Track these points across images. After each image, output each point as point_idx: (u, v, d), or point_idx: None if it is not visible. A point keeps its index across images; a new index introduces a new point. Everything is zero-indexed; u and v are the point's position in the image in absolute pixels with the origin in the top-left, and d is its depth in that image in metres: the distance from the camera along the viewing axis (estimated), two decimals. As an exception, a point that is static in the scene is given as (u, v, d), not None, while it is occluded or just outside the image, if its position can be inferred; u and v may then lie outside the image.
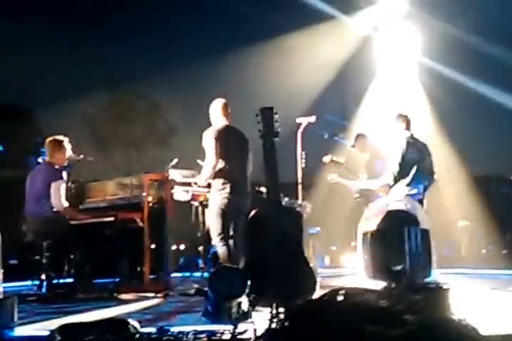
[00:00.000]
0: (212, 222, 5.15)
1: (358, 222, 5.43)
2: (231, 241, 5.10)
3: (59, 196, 5.70)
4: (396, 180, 5.90)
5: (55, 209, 5.72)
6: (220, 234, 5.08)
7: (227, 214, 5.09)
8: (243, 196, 5.18)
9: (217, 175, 5.19)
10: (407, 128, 6.08)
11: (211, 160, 5.18)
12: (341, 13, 10.03)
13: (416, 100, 9.93)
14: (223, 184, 5.13)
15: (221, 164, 5.18)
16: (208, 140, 5.22)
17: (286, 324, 2.42)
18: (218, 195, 5.14)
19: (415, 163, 5.93)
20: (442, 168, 7.76)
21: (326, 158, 6.84)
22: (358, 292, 2.67)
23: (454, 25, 9.23)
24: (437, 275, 3.55)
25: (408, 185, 5.89)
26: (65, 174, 5.82)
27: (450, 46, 9.33)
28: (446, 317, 2.94)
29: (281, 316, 2.81)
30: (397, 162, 5.90)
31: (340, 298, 2.63)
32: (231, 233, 5.16)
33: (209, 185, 5.82)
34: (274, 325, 2.67)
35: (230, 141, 5.25)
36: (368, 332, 2.32)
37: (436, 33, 9.47)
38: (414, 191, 5.85)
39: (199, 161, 5.46)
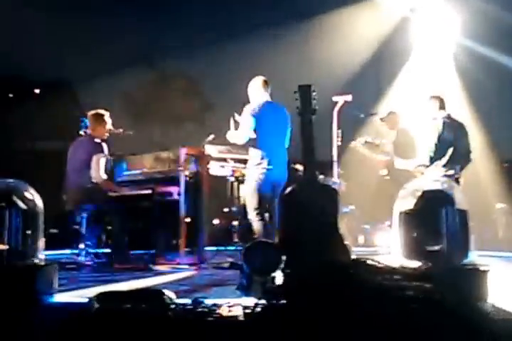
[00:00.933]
0: (248, 196, 5.19)
1: (389, 200, 5.40)
2: (267, 216, 5.15)
3: (98, 168, 5.82)
4: (432, 161, 5.85)
5: (94, 181, 5.84)
6: (256, 209, 5.11)
7: (263, 189, 5.12)
8: (280, 171, 5.21)
9: (254, 149, 5.22)
10: (442, 108, 6.01)
11: (242, 133, 5.21)
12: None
13: (450, 81, 9.79)
14: (260, 159, 5.16)
15: (256, 138, 5.19)
16: (245, 115, 5.26)
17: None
18: (255, 170, 5.17)
19: (452, 144, 5.87)
20: (479, 150, 7.63)
21: (359, 141, 6.66)
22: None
23: (496, 4, 8.98)
24: (475, 257, 3.52)
25: (445, 165, 5.84)
26: (105, 147, 5.94)
27: (491, 26, 9.10)
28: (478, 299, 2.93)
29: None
30: (433, 142, 5.84)
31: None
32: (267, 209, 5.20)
33: (245, 161, 5.87)
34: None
35: (269, 117, 5.27)
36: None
37: (476, 13, 9.22)
38: (451, 172, 5.79)
39: (235, 114, 5.42)
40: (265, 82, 5.44)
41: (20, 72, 9.00)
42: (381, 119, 6.97)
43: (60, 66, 9.29)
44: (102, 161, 5.88)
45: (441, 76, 9.85)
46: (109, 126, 6.10)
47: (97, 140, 5.98)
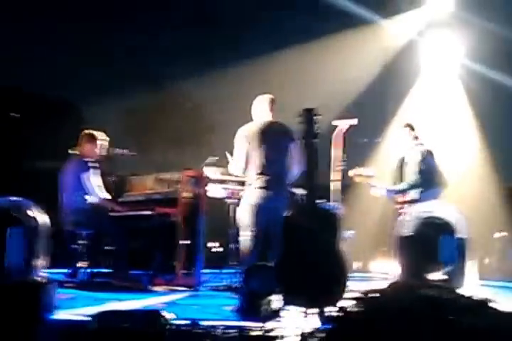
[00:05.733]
0: (241, 215, 5.13)
1: (387, 226, 5.41)
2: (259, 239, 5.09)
3: (91, 187, 5.83)
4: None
5: (90, 201, 5.86)
6: (246, 228, 5.04)
7: (256, 210, 5.05)
8: (276, 193, 5.05)
9: (250, 170, 5.17)
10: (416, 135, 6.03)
11: (234, 159, 5.22)
12: (383, 18, 9.98)
13: (458, 104, 9.82)
14: (255, 179, 5.10)
15: (251, 158, 5.16)
16: (236, 138, 5.19)
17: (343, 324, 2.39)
18: (249, 190, 5.13)
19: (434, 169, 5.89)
20: (478, 176, 7.61)
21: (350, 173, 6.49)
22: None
23: (503, 27, 9.03)
24: (475, 286, 3.53)
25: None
26: (92, 165, 5.92)
27: (498, 49, 9.16)
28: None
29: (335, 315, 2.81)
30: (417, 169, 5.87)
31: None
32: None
33: (243, 183, 5.89)
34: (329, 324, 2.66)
35: (265, 137, 5.12)
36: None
37: (484, 36, 9.25)
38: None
39: (227, 153, 5.46)
40: (272, 101, 5.28)
41: (25, 91, 9.11)
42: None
43: (64, 85, 9.41)
44: (93, 180, 5.88)
45: (448, 99, 9.86)
46: (98, 146, 6.08)
47: (85, 159, 5.98)
